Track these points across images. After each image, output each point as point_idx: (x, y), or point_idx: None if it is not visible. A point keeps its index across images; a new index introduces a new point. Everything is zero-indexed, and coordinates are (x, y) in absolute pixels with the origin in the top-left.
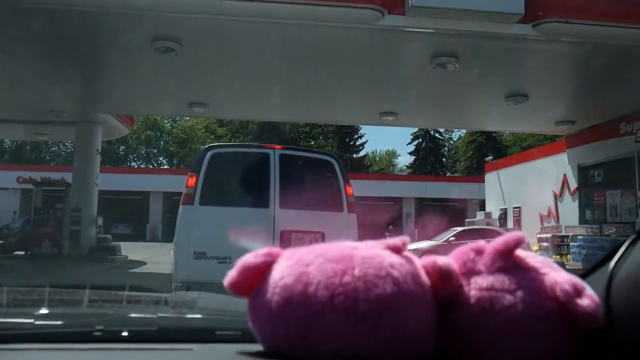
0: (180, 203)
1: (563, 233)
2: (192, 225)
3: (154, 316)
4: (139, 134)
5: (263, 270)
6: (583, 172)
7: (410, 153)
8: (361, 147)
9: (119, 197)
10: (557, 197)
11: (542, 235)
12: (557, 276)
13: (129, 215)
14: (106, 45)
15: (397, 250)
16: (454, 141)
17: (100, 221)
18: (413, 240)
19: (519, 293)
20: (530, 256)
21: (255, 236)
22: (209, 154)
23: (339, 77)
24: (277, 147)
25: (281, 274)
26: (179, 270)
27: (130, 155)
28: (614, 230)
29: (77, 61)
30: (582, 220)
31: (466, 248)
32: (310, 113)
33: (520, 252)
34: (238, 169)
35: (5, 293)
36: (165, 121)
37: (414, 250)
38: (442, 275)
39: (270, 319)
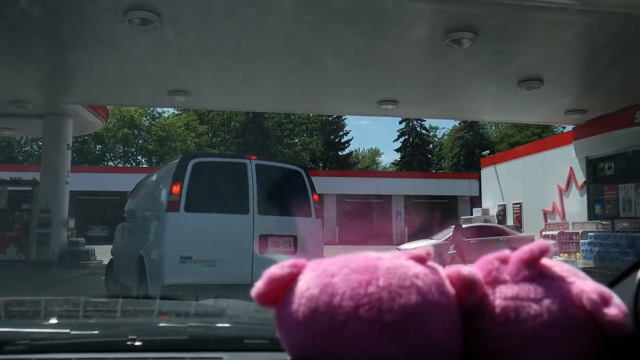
0: (165, 210)
1: (570, 230)
2: (178, 231)
3: (184, 325)
4: (115, 132)
5: (289, 281)
6: (592, 165)
7: (397, 150)
8: (347, 144)
9: (94, 197)
10: (563, 192)
11: (547, 233)
12: (584, 285)
13: (106, 216)
14: (73, 18)
15: (422, 260)
16: (438, 138)
17: (72, 223)
18: (405, 239)
19: (545, 302)
20: (556, 265)
21: (237, 240)
22: (191, 163)
23: (336, 56)
24: (253, 157)
25: (307, 284)
26: (167, 274)
27: (107, 154)
28: (625, 225)
29: (41, 41)
30: (592, 215)
31: (491, 257)
32: (301, 102)
33: (545, 261)
34: (219, 177)
35: (42, 303)
36: (144, 119)
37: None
38: (466, 285)
39: (297, 328)
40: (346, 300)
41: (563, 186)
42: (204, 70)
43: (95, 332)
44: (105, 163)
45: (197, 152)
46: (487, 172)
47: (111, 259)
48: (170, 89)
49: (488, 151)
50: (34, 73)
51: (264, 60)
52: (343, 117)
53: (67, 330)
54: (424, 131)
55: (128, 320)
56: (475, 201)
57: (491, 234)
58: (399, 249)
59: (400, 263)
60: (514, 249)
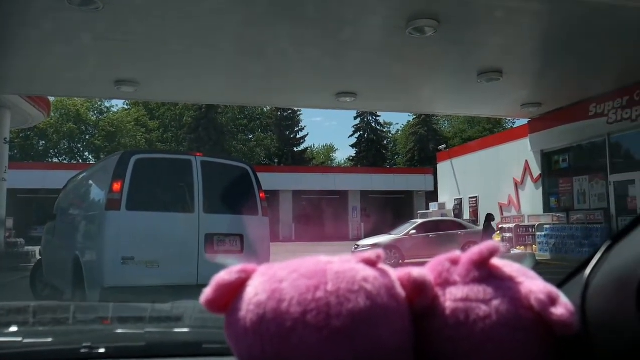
0: (105, 208)
1: (526, 223)
2: (119, 231)
3: (141, 331)
4: (58, 127)
5: (238, 286)
6: (547, 158)
7: (352, 146)
8: (302, 140)
9: (37, 195)
10: (518, 185)
11: (504, 226)
12: (532, 285)
13: (51, 216)
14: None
15: (372, 263)
16: (392, 134)
17: (10, 223)
18: (362, 235)
19: (494, 303)
20: (506, 265)
21: (181, 240)
22: (133, 159)
23: (292, 46)
24: (198, 154)
25: (255, 290)
26: (107, 276)
27: (51, 150)
28: (579, 217)
29: None
30: (547, 208)
31: (442, 258)
32: (256, 95)
33: (496, 261)
34: (162, 174)
35: None
36: (91, 113)
37: (374, 245)
38: (417, 287)
39: (245, 336)
40: (294, 306)
41: (519, 179)
42: (153, 59)
43: (49, 339)
44: (50, 159)
45: (138, 149)
46: (443, 167)
47: (39, 260)
48: (116, 79)
49: (444, 145)
50: None
51: (216, 49)
52: (298, 113)
53: (20, 339)
54: (378, 127)
55: (83, 327)
56: (431, 196)
57: (450, 229)
58: (358, 245)
59: (350, 267)
60: (473, 242)
